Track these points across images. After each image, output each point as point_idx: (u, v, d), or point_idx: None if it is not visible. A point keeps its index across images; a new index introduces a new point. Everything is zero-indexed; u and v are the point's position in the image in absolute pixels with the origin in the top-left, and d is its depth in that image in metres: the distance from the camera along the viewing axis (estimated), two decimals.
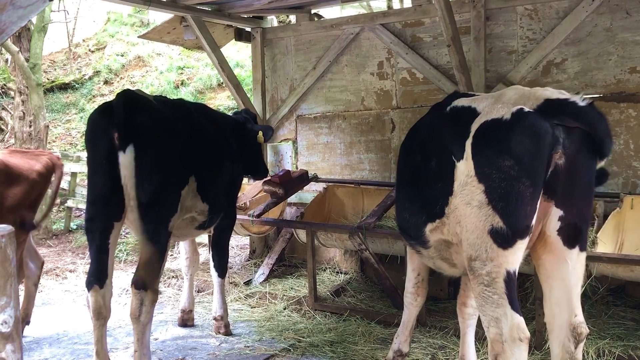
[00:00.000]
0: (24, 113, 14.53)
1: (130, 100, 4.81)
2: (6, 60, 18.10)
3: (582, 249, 3.88)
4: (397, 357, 5.30)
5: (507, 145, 3.68)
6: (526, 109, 3.71)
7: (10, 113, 16.47)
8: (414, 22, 8.27)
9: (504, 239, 3.69)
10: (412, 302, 5.22)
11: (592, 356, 5.36)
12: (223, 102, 15.91)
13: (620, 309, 6.56)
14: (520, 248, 3.74)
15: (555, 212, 3.80)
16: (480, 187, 3.78)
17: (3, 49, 13.91)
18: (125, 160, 4.64)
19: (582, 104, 3.68)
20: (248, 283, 8.24)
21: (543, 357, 5.49)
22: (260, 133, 6.82)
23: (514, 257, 3.75)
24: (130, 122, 4.69)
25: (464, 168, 3.88)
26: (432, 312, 6.72)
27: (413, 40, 8.29)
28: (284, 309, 7.19)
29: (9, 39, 11.06)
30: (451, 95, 4.60)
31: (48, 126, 13.03)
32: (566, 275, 3.85)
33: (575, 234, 3.84)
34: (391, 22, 8.42)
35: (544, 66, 7.46)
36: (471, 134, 3.88)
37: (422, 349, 5.87)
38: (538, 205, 3.71)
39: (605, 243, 6.03)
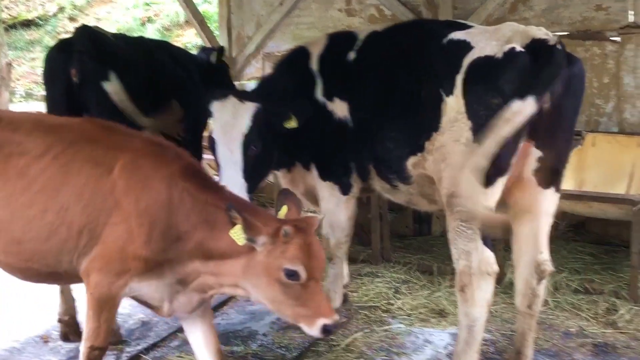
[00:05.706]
0: None
1: (90, 35, 4.72)
2: None
3: (557, 190, 3.94)
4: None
5: (497, 83, 3.64)
6: (518, 49, 3.66)
7: None
8: None
9: (486, 176, 3.64)
10: (346, 251, 5.17)
11: (549, 289, 5.50)
12: (191, 39, 15.61)
13: (579, 244, 6.74)
14: (500, 186, 3.76)
15: (535, 153, 3.80)
16: (469, 124, 3.74)
17: None
18: (114, 88, 4.60)
19: (552, 43, 3.62)
20: None
21: (502, 291, 5.62)
22: (215, 53, 6.40)
23: (493, 195, 3.77)
24: (97, 52, 4.61)
25: (454, 104, 3.81)
26: (397, 248, 6.84)
27: None
28: None
29: None
30: (447, 24, 4.47)
31: (11, 64, 12.62)
32: (537, 214, 3.92)
33: (551, 175, 3.88)
34: None
35: (511, 3, 7.39)
36: (462, 69, 3.80)
37: (386, 282, 6.01)
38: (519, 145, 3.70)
39: (566, 180, 6.12)
